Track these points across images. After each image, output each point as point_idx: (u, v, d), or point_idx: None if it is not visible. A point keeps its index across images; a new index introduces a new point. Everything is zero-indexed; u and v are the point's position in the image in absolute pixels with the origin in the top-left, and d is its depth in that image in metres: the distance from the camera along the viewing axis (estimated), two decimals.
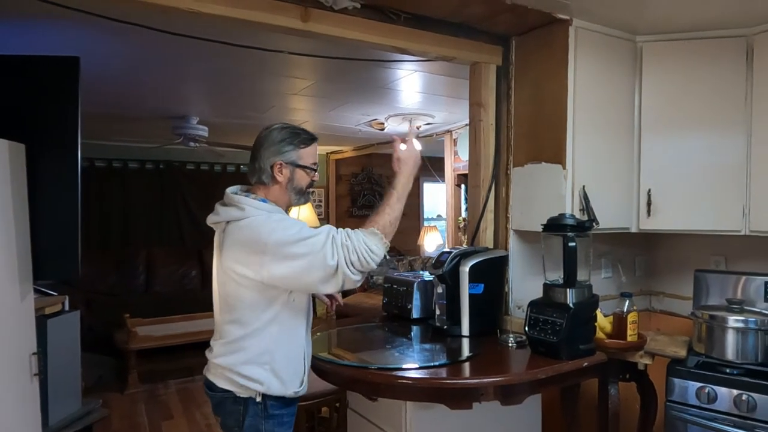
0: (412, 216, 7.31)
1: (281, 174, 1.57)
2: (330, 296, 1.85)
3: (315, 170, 1.63)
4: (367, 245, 1.47)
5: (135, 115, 4.16)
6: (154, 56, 2.75)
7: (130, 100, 3.71)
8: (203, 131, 4.23)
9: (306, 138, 1.61)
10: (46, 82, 1.86)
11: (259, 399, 1.50)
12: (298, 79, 3.22)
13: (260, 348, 1.49)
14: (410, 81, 3.27)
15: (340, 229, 1.49)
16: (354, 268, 1.45)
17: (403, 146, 1.69)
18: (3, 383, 1.65)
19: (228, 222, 1.54)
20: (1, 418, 1.63)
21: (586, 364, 1.72)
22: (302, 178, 1.61)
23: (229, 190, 1.62)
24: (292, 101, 3.77)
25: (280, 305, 1.50)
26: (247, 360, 1.49)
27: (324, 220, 6.67)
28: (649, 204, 2.20)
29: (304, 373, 1.57)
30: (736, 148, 2.10)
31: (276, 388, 1.50)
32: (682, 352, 1.82)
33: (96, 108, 3.78)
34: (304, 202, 1.69)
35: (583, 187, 2.06)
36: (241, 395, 1.51)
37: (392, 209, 1.59)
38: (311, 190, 1.68)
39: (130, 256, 5.55)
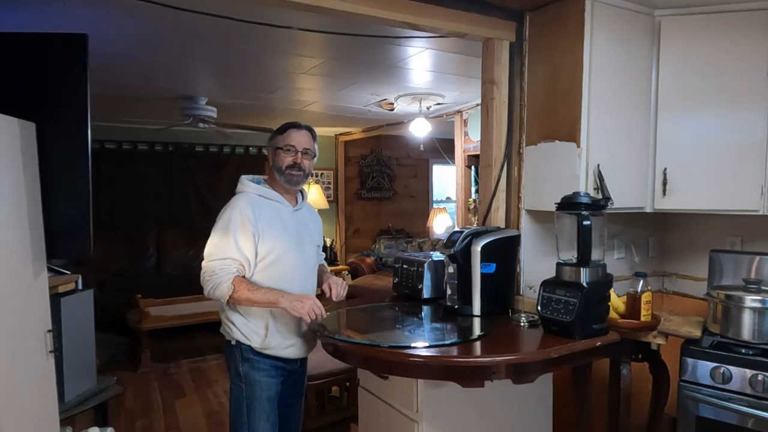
0: (421, 198, 7.29)
1: (270, 158, 1.95)
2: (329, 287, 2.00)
3: (289, 150, 1.88)
4: (214, 290, 1.77)
5: (144, 96, 4.15)
6: (162, 35, 2.72)
7: (138, 81, 3.69)
8: (212, 112, 4.21)
9: (284, 126, 1.93)
10: (54, 60, 1.84)
11: (234, 342, 1.87)
12: (306, 58, 3.17)
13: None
14: (420, 59, 3.22)
15: (218, 267, 1.76)
16: (203, 285, 1.80)
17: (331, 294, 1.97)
18: (20, 360, 1.67)
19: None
20: (20, 394, 1.66)
21: (599, 343, 1.71)
22: (279, 158, 1.89)
23: (247, 176, 1.97)
24: (300, 81, 3.73)
25: (255, 269, 1.82)
26: (228, 306, 1.85)
27: (333, 202, 6.66)
28: (664, 183, 2.16)
29: (266, 336, 1.84)
30: (756, 126, 2.05)
31: (239, 336, 1.85)
32: (696, 332, 1.80)
33: (105, 89, 3.77)
34: (287, 182, 1.90)
35: (598, 165, 2.02)
36: (226, 338, 1.91)
37: (255, 295, 1.76)
38: (299, 172, 1.89)
39: (141, 238, 5.59)
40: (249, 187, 1.90)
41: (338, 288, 1.96)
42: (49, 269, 1.97)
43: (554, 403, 2.11)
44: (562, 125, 2.09)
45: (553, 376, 2.10)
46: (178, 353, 4.54)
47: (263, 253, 1.82)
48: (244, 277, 1.80)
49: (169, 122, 4.57)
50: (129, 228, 5.66)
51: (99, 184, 5.24)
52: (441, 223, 5.92)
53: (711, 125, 2.12)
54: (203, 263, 1.80)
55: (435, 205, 7.11)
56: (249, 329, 1.86)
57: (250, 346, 1.85)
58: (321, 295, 1.93)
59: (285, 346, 1.89)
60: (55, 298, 2.20)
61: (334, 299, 1.97)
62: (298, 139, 1.90)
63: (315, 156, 1.96)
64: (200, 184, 5.99)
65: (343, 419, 3.09)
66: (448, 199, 7.10)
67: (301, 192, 2.04)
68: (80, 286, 2.47)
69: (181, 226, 5.87)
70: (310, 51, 3.05)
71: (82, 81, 1.85)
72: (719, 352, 1.71)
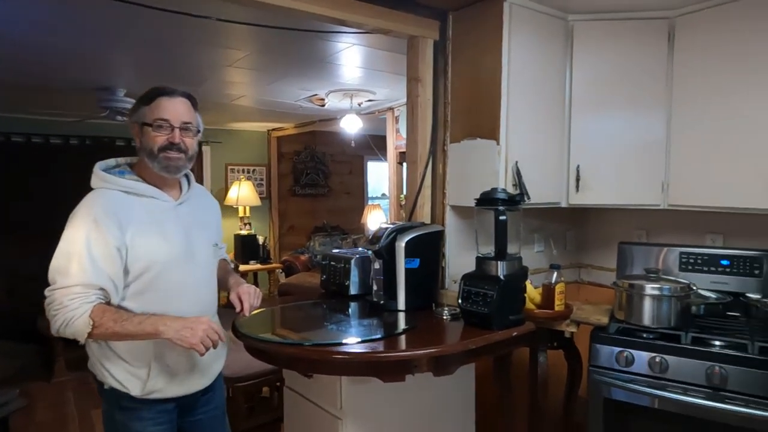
0: (357, 195, 7.29)
1: (137, 137, 1.47)
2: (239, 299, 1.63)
3: (161, 126, 1.42)
4: (65, 327, 1.32)
5: (54, 85, 3.85)
6: (73, 21, 2.53)
7: (47, 69, 3.41)
8: (131, 104, 3.98)
9: (151, 94, 1.45)
10: None
11: (106, 387, 1.46)
12: (232, 50, 3.07)
13: None
14: (350, 55, 3.21)
15: (66, 298, 1.32)
16: (50, 321, 1.35)
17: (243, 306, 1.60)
18: None
19: None
20: None
21: (515, 333, 1.78)
22: (149, 137, 1.43)
23: (99, 163, 1.50)
24: (227, 74, 3.61)
25: (126, 294, 1.41)
26: (93, 340, 1.44)
27: (266, 199, 6.52)
28: (578, 180, 2.28)
29: (148, 379, 1.44)
30: (658, 127, 2.21)
31: (112, 382, 1.45)
32: (604, 320, 1.92)
33: (10, 76, 3.47)
34: (163, 169, 1.45)
35: (516, 163, 2.10)
36: (96, 376, 1.49)
37: (127, 327, 1.33)
38: (178, 154, 1.45)
39: (56, 239, 5.18)
40: (109, 180, 1.42)
41: (251, 298, 1.59)
42: None
43: (477, 392, 2.18)
44: (484, 123, 2.15)
45: (476, 367, 2.16)
46: None
47: (137, 272, 1.39)
48: (109, 303, 1.36)
49: (84, 114, 4.27)
50: (42, 228, 5.23)
51: (4, 181, 4.82)
52: (375, 220, 5.95)
53: (618, 125, 2.26)
54: (46, 292, 1.34)
55: (370, 202, 7.13)
56: (125, 373, 1.43)
57: (128, 394, 1.44)
58: (229, 306, 1.64)
59: (177, 384, 1.50)
60: None
61: (246, 314, 1.60)
62: (173, 109, 1.44)
63: (200, 131, 1.52)
64: None
65: (274, 420, 3.04)
66: (384, 196, 7.14)
67: (187, 177, 1.59)
68: None
69: None
70: (235, 43, 2.96)
71: None
72: (623, 337, 1.83)
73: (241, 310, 1.59)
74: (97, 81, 3.76)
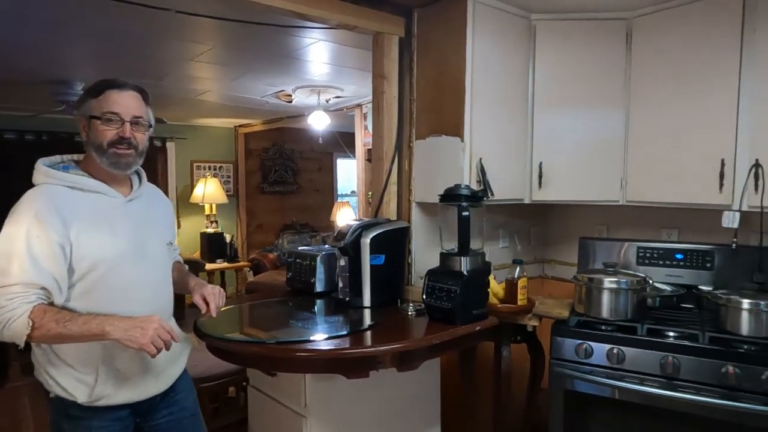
0: (326, 192, 7.25)
1: (83, 131, 1.40)
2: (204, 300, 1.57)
3: (111, 120, 1.36)
4: (4, 328, 1.22)
5: (6, 78, 3.69)
6: (25, 11, 2.42)
7: (1, 62, 3.27)
8: None
9: (100, 86, 1.39)
10: None
11: (52, 395, 1.39)
12: (194, 44, 3.00)
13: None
14: (317, 51, 3.18)
15: (3, 298, 1.23)
16: None
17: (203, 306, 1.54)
18: None
19: None
20: None
21: (478, 328, 1.80)
22: (97, 131, 1.36)
23: (42, 159, 1.42)
24: (190, 68, 3.53)
25: (70, 295, 1.33)
26: (35, 344, 1.38)
27: (233, 196, 6.42)
28: (540, 176, 2.33)
29: (95, 384, 1.35)
30: (616, 125, 2.27)
31: (58, 390, 1.37)
32: (565, 313, 1.96)
33: None
34: (112, 165, 1.38)
35: (480, 159, 2.13)
36: (43, 385, 1.41)
37: (70, 328, 1.24)
38: (128, 150, 1.39)
39: None
40: (52, 175, 1.35)
41: (216, 299, 1.54)
42: None
43: (442, 387, 2.20)
44: (448, 120, 2.17)
45: (441, 361, 2.18)
46: None
47: (82, 270, 1.32)
48: (51, 304, 1.28)
49: (39, 109, 4.11)
50: None
51: None
52: (344, 217, 5.93)
53: (579, 123, 2.31)
54: None
55: (340, 199, 7.10)
56: (70, 379, 1.35)
57: (75, 402, 1.35)
58: (194, 307, 1.58)
59: (128, 389, 1.41)
60: None
61: (213, 315, 1.53)
62: (124, 103, 1.38)
63: (151, 126, 1.46)
64: None
65: (241, 420, 2.99)
66: (353, 193, 7.12)
67: (138, 174, 1.53)
68: None
69: None
70: (197, 36, 2.89)
71: None
72: (582, 330, 1.88)
73: (207, 311, 1.53)
74: (52, 74, 3.62)
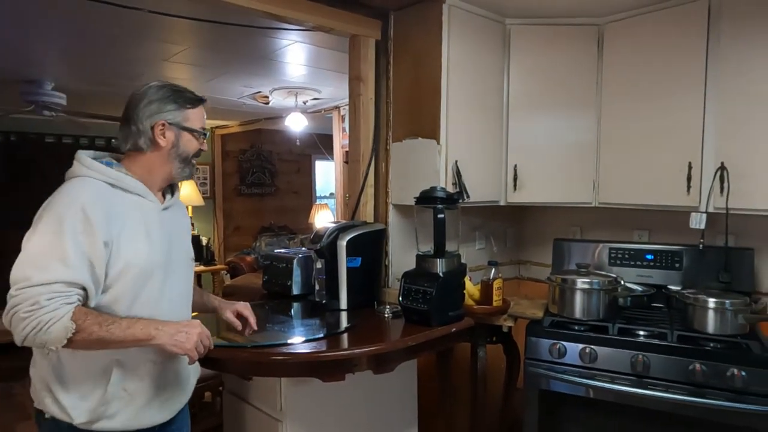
0: (305, 194, 7.21)
1: (164, 137, 1.33)
2: (240, 317, 1.59)
3: (204, 135, 1.43)
4: (39, 332, 1.11)
5: None
6: None
7: None
8: (60, 99, 3.76)
9: (192, 98, 1.40)
10: None
11: (48, 417, 1.27)
12: (169, 44, 2.96)
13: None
14: (294, 52, 3.17)
15: (43, 296, 1.12)
16: (16, 326, 1.12)
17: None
18: None
19: None
20: None
21: (454, 329, 1.82)
22: (189, 144, 1.38)
23: (85, 151, 1.33)
24: (165, 68, 3.48)
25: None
26: (40, 354, 1.29)
27: (210, 199, 6.33)
28: (515, 179, 2.36)
29: (101, 402, 1.25)
30: (589, 128, 2.31)
31: (54, 410, 1.26)
32: (539, 314, 1.99)
33: None
34: (188, 175, 1.42)
35: (456, 162, 2.14)
36: (35, 404, 1.31)
37: (114, 332, 1.17)
38: (194, 162, 1.44)
39: None
40: (96, 169, 1.27)
41: (251, 313, 1.55)
42: None
43: (420, 388, 2.21)
44: (424, 123, 2.18)
45: (419, 363, 2.19)
46: (22, 370, 3.99)
47: (114, 275, 1.23)
48: (85, 305, 1.19)
49: (8, 109, 3.99)
50: None
51: None
52: (323, 219, 5.90)
53: (552, 127, 2.35)
54: (14, 291, 1.12)
55: (318, 201, 7.07)
56: (71, 396, 1.23)
57: (71, 425, 1.23)
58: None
59: (129, 413, 1.29)
60: None
61: (255, 328, 1.56)
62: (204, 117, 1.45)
63: None
64: (52, 180, 5.32)
65: (217, 425, 2.95)
66: (332, 195, 7.10)
67: (171, 185, 1.47)
68: None
69: (26, 227, 5.18)
70: (171, 36, 2.85)
71: None
72: (556, 330, 1.91)
73: (244, 328, 1.57)
74: (21, 73, 3.53)
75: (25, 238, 1.18)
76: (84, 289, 1.17)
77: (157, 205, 1.36)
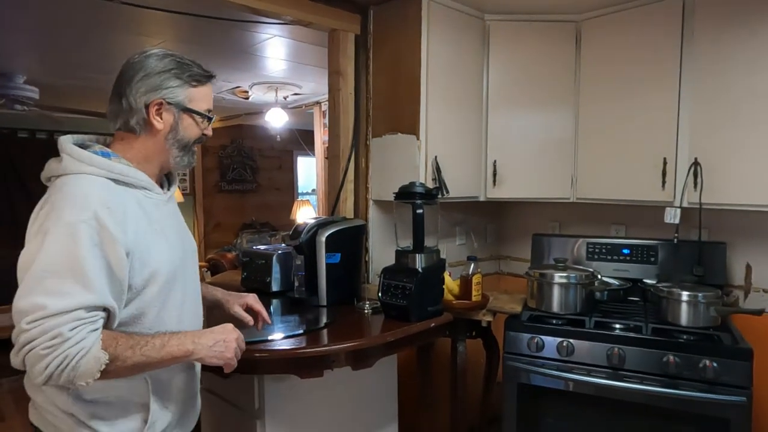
0: (287, 191, 7.15)
1: (160, 118, 1.12)
2: (252, 311, 1.44)
3: (210, 119, 1.20)
4: (66, 370, 0.94)
5: None
6: None
7: None
8: (32, 93, 3.67)
9: (199, 73, 1.16)
10: None
11: None
12: (144, 37, 2.90)
13: None
14: (274, 47, 3.13)
15: (66, 327, 0.93)
16: (34, 365, 0.93)
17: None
18: None
19: (48, 180, 1.07)
20: None
21: (433, 324, 1.82)
22: (190, 128, 1.16)
23: (67, 137, 1.10)
24: None
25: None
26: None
27: (190, 195, 6.25)
28: (495, 174, 2.37)
29: (146, 426, 1.12)
30: (566, 124, 2.33)
31: None
32: (518, 308, 2.00)
33: None
34: (188, 164, 1.19)
35: (435, 157, 2.14)
36: None
37: (149, 353, 1.03)
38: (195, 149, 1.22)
39: None
40: (96, 163, 1.04)
41: (262, 305, 1.43)
42: None
43: (400, 384, 2.20)
44: (404, 118, 2.18)
45: (399, 358, 2.19)
46: None
47: (138, 285, 1.06)
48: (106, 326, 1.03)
49: None
50: None
51: None
52: (305, 215, 5.87)
53: (531, 123, 2.36)
54: (26, 324, 0.92)
55: (300, 197, 7.03)
56: (112, 424, 1.09)
57: None
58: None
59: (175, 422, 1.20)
60: None
61: (269, 322, 1.45)
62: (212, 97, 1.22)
63: None
64: (26, 176, 5.21)
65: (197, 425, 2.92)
66: (314, 191, 7.06)
67: (168, 174, 1.26)
68: None
69: (1, 225, 5.06)
70: (147, 29, 2.80)
71: None
72: (534, 324, 1.93)
73: (257, 322, 1.44)
74: None
75: (23, 256, 0.98)
76: (107, 310, 1.01)
77: (162, 197, 1.18)
